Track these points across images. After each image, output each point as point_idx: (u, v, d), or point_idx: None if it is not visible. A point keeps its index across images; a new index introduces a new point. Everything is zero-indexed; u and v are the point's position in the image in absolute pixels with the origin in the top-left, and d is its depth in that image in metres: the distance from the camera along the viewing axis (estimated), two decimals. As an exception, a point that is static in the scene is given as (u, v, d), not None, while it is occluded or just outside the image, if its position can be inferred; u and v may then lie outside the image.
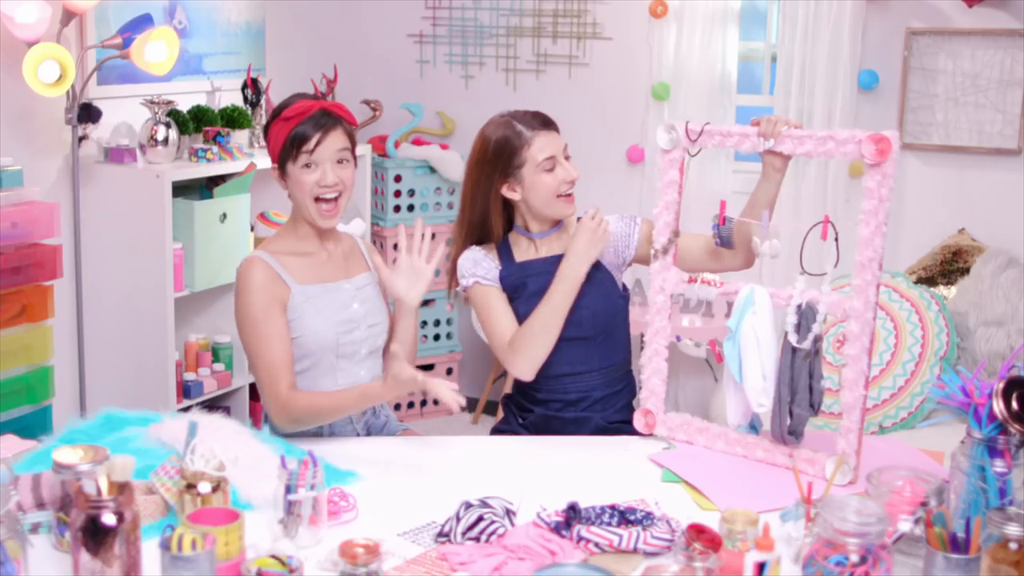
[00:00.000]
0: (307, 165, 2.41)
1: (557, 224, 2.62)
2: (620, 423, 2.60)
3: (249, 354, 2.42)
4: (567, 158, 2.56)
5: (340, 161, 2.43)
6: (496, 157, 2.53)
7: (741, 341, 2.31)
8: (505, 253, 2.62)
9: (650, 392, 2.48)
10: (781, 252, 2.37)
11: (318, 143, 2.40)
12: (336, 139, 2.42)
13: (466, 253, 2.62)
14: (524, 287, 2.58)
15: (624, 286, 2.67)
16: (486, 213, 2.58)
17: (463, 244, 2.64)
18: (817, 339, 2.24)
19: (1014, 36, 3.82)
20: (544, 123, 2.56)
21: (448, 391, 2.24)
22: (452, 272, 2.64)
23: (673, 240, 2.45)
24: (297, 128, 2.39)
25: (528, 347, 2.50)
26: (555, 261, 2.58)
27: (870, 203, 2.18)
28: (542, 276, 2.57)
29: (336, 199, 2.44)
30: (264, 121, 4.15)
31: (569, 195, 2.56)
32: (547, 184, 2.53)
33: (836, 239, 2.21)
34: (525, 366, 2.51)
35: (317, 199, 2.43)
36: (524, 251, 2.63)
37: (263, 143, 4.13)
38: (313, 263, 2.48)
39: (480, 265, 2.59)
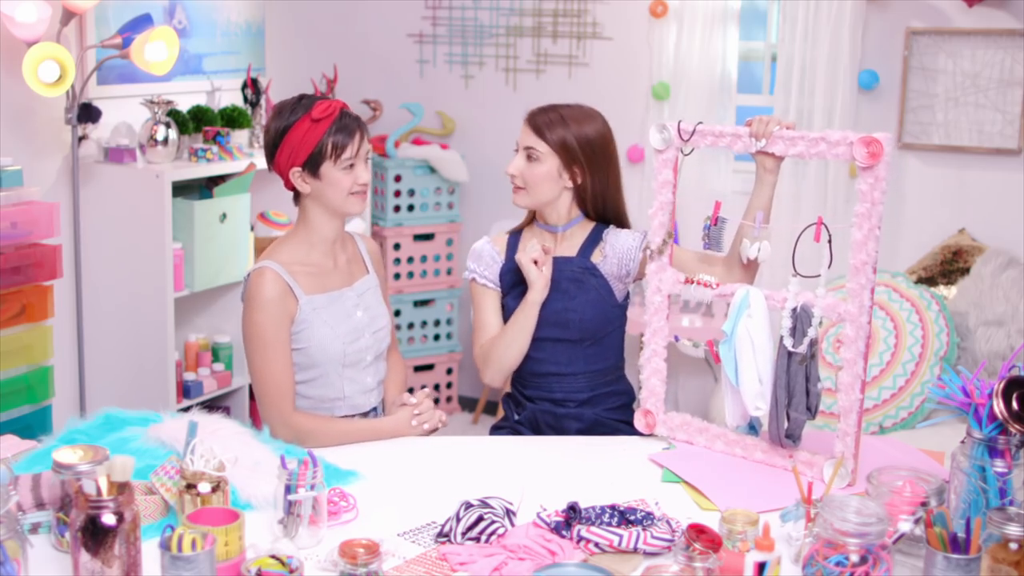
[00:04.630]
0: (350, 166, 2.43)
1: (571, 222, 2.63)
2: (618, 421, 2.61)
3: (253, 368, 2.44)
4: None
5: (367, 160, 2.50)
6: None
7: (736, 344, 2.30)
8: (512, 247, 2.66)
9: (649, 392, 2.48)
10: (770, 255, 2.36)
11: (359, 144, 2.44)
12: (365, 139, 2.47)
13: (475, 243, 2.71)
14: (519, 285, 2.60)
15: (627, 295, 2.66)
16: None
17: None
18: (812, 343, 2.22)
19: (1014, 36, 3.82)
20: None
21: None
22: None
23: (668, 241, 2.44)
24: (336, 130, 2.41)
25: (494, 359, 2.62)
26: (554, 263, 2.59)
27: (863, 206, 2.14)
28: None
29: (365, 190, 2.52)
30: (264, 121, 4.15)
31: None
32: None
33: (829, 240, 2.18)
34: (494, 374, 2.64)
35: (351, 193, 2.47)
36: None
37: (263, 143, 4.13)
38: (320, 272, 2.50)
39: (482, 260, 2.67)
